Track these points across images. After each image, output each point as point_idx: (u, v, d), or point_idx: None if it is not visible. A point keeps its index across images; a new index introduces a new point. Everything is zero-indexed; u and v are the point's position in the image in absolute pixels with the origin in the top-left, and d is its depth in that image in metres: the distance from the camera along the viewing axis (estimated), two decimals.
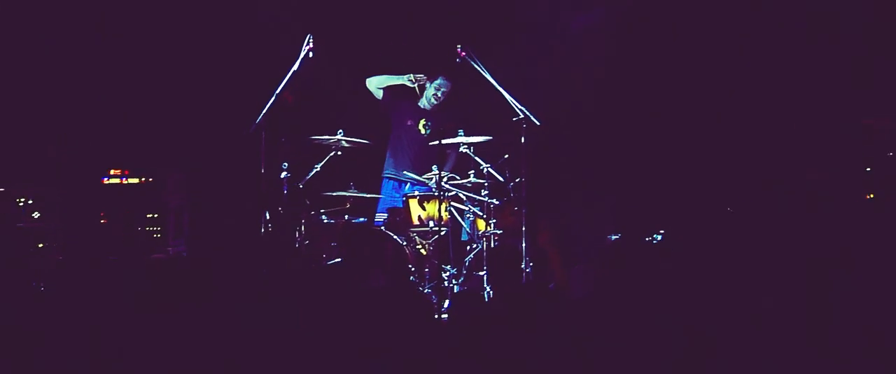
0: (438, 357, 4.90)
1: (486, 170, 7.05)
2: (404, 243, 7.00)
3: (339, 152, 7.18)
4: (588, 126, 8.06)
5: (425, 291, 6.84)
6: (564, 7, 8.10)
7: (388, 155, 7.81)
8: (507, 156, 7.07)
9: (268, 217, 6.96)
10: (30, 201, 7.37)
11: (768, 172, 7.44)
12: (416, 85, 7.57)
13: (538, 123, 6.84)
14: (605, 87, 7.97)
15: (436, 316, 6.28)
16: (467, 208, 7.29)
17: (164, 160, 7.80)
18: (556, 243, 7.44)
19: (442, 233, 6.90)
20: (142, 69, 8.02)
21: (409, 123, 7.69)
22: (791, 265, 6.26)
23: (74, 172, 7.66)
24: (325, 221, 7.27)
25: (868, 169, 7.01)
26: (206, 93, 8.03)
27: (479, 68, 6.89)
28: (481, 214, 7.19)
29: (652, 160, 7.95)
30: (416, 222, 7.11)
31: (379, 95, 7.66)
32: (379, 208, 7.68)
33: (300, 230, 7.08)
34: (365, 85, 7.69)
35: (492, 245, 7.03)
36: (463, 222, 7.35)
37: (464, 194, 7.24)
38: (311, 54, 6.87)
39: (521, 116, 6.84)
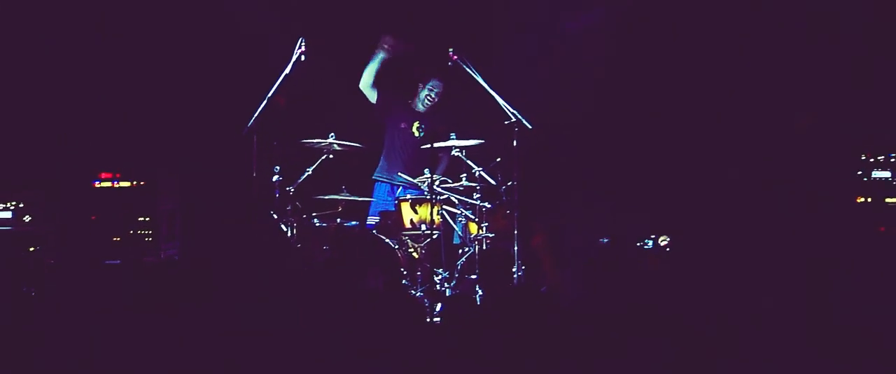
0: (431, 360, 4.91)
1: (477, 173, 7.08)
2: (396, 247, 7.03)
3: (331, 156, 7.18)
4: (580, 130, 8.06)
5: (417, 294, 6.84)
6: (557, 11, 8.11)
7: (381, 158, 7.79)
8: (499, 159, 7.06)
9: (260, 220, 6.93)
10: (21, 205, 7.35)
11: (761, 174, 7.49)
12: (389, 51, 7.49)
13: (530, 127, 6.85)
14: (597, 90, 7.96)
15: (428, 319, 6.25)
16: (459, 212, 7.30)
17: (155, 164, 7.75)
18: (549, 246, 7.41)
19: (434, 236, 6.90)
20: (133, 73, 7.99)
21: (402, 125, 7.67)
22: (786, 267, 6.32)
23: (65, 176, 7.63)
24: (317, 224, 7.28)
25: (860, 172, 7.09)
26: (198, 96, 8.00)
27: (471, 72, 6.90)
28: (473, 217, 7.19)
29: (644, 164, 7.97)
30: (408, 225, 7.13)
31: (373, 97, 7.63)
32: (371, 212, 7.67)
33: (292, 234, 7.08)
34: (359, 90, 7.67)
35: (484, 248, 7.04)
36: (455, 226, 7.37)
37: (456, 198, 7.24)
38: (303, 57, 6.90)
39: (513, 119, 6.85)
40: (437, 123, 7.46)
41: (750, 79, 7.71)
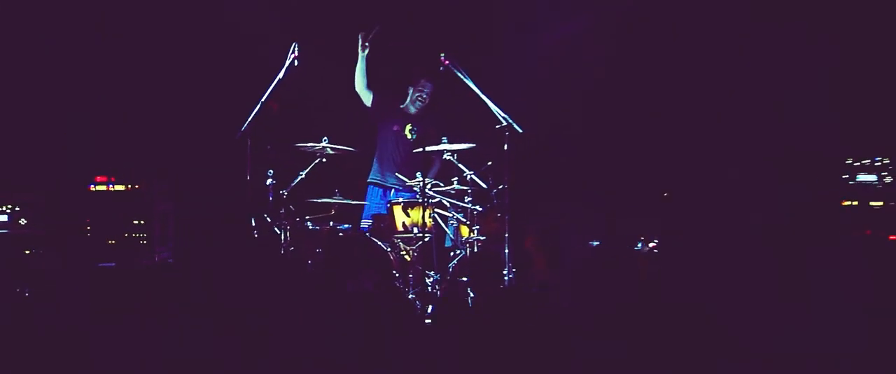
0: (423, 361, 5.00)
1: (469, 177, 7.07)
2: (389, 250, 7.02)
3: (324, 159, 7.18)
4: (570, 134, 8.07)
5: (410, 296, 6.82)
6: (547, 17, 8.12)
7: (374, 160, 7.79)
8: (490, 163, 7.08)
9: (253, 224, 6.97)
10: (16, 208, 7.35)
11: (750, 178, 7.51)
12: (365, 47, 7.47)
13: (521, 131, 6.85)
14: (587, 95, 7.98)
15: (420, 321, 6.29)
16: (451, 215, 7.30)
17: (150, 167, 7.77)
18: (541, 247, 7.46)
19: (426, 239, 6.95)
20: (128, 77, 8.01)
21: (395, 128, 7.65)
22: (772, 269, 6.34)
23: (61, 179, 7.64)
24: (311, 227, 7.25)
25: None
26: (192, 100, 8.02)
27: (462, 77, 6.91)
28: (465, 220, 7.20)
29: (632, 167, 7.99)
30: (400, 228, 7.12)
31: (368, 100, 7.64)
32: (364, 215, 7.67)
33: (286, 237, 7.07)
34: (353, 94, 7.65)
35: (475, 251, 7.04)
36: (447, 229, 7.36)
37: (447, 201, 7.25)
38: (296, 62, 6.93)
39: (504, 123, 6.85)
40: (429, 126, 7.45)
41: (737, 84, 7.73)
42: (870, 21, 7.32)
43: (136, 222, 7.53)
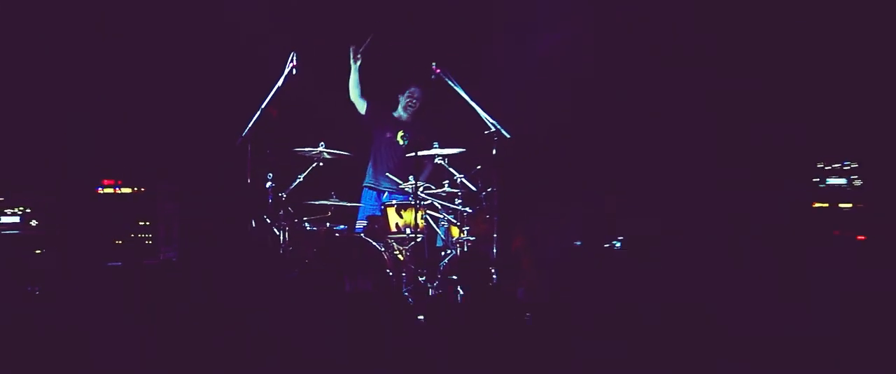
0: (415, 353, 5.17)
1: (459, 180, 7.14)
2: (383, 249, 7.05)
3: (321, 163, 7.24)
4: (556, 139, 8.08)
5: (403, 293, 6.86)
6: (534, 28, 8.19)
7: (369, 166, 7.82)
8: (479, 167, 7.14)
9: (254, 224, 7.02)
10: (27, 210, 7.31)
11: (725, 180, 7.54)
12: (358, 58, 7.51)
13: (508, 136, 6.91)
14: (572, 103, 8.01)
15: (414, 316, 6.36)
16: (442, 216, 7.37)
17: (155, 171, 7.75)
18: (528, 248, 7.41)
19: (418, 240, 7.01)
20: (135, 86, 8.04)
21: (388, 135, 7.74)
22: (746, 268, 6.52)
23: (70, 182, 7.62)
24: (308, 228, 7.28)
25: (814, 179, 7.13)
26: (196, 107, 8.04)
27: (452, 85, 6.96)
28: (455, 221, 7.27)
29: (615, 170, 8.02)
30: (393, 229, 7.15)
31: (362, 108, 7.68)
32: (359, 216, 7.72)
33: (284, 237, 7.07)
34: (349, 101, 7.69)
35: (465, 251, 7.09)
36: (438, 230, 7.42)
37: (439, 203, 7.31)
38: (294, 71, 6.94)
39: (493, 129, 6.89)
40: (419, 133, 7.52)
41: (712, 89, 7.75)
42: (839, 31, 7.34)
43: (141, 223, 7.51)
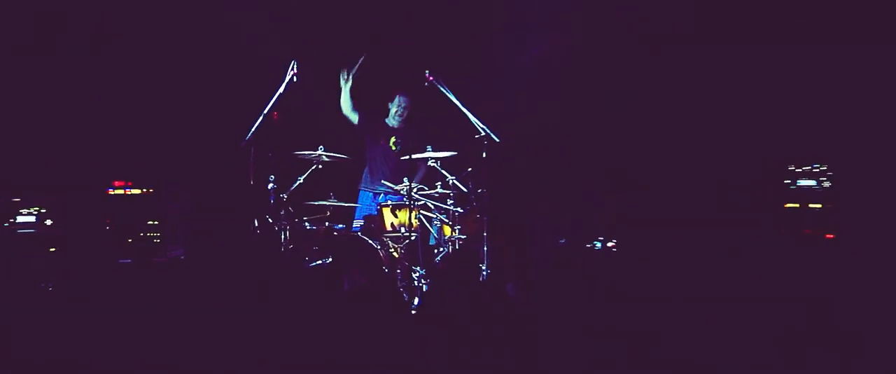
0: (410, 345, 5.24)
1: (451, 181, 7.25)
2: (379, 247, 7.15)
3: (320, 166, 7.32)
4: (542, 142, 8.19)
5: (398, 289, 6.94)
6: (521, 40, 8.27)
7: (365, 171, 7.91)
8: (470, 169, 7.25)
9: (256, 224, 7.06)
10: (43, 210, 7.37)
11: (702, 183, 7.62)
12: (350, 76, 7.56)
13: (497, 140, 7.04)
14: (559, 108, 8.12)
15: (408, 311, 6.50)
16: (435, 216, 7.46)
17: (163, 173, 7.84)
18: (514, 246, 7.60)
19: (412, 238, 7.12)
20: (144, 93, 8.12)
21: (382, 142, 7.85)
22: (724, 266, 6.62)
23: (83, 184, 7.69)
24: (308, 227, 7.36)
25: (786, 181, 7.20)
26: (202, 113, 8.11)
27: (445, 92, 7.06)
28: (447, 220, 7.37)
29: (598, 172, 8.14)
30: (389, 228, 7.29)
31: (355, 119, 7.76)
32: (356, 216, 7.85)
33: (286, 235, 7.14)
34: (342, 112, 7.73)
35: (456, 248, 7.20)
36: (431, 228, 7.51)
37: (432, 203, 7.40)
38: (295, 78, 7.01)
39: (483, 133, 7.04)
40: (411, 139, 7.63)
41: (689, 94, 7.83)
42: (810, 38, 7.38)
43: (150, 222, 7.59)
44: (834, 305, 5.70)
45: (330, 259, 6.88)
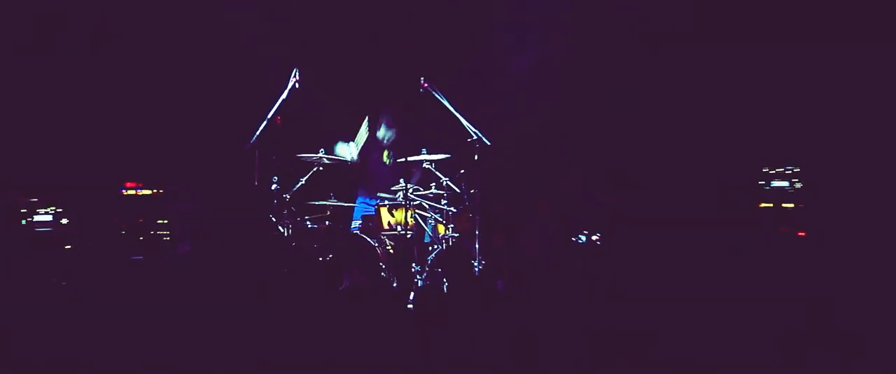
0: (406, 338, 5.42)
1: (445, 183, 7.40)
2: (377, 245, 7.28)
3: (321, 168, 7.44)
4: (532, 145, 8.31)
5: (394, 285, 7.10)
6: (511, 49, 8.37)
7: (360, 185, 8.03)
8: (463, 171, 7.38)
9: (261, 223, 7.21)
10: (59, 209, 7.46)
11: (681, 183, 7.73)
12: (354, 153, 7.70)
13: (489, 144, 7.18)
14: (548, 111, 8.22)
15: (404, 305, 6.69)
16: (430, 215, 7.60)
17: (172, 175, 7.89)
18: (507, 244, 7.75)
19: (408, 236, 7.25)
20: (155, 98, 8.19)
21: (375, 156, 8.00)
22: (703, 264, 6.76)
23: (97, 184, 7.75)
24: (310, 226, 7.49)
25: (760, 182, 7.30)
26: (209, 118, 8.15)
27: (439, 98, 7.17)
28: (442, 220, 7.49)
29: (587, 173, 8.22)
30: (386, 227, 7.45)
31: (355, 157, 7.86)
32: (355, 216, 8.01)
33: (288, 234, 7.22)
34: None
35: (450, 246, 7.34)
36: (426, 227, 7.62)
37: (427, 203, 7.53)
38: (297, 85, 7.10)
39: (475, 137, 7.17)
40: (404, 149, 7.65)
41: (669, 95, 7.89)
42: (785, 43, 7.45)
43: (160, 221, 7.67)
44: (830, 304, 5.75)
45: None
